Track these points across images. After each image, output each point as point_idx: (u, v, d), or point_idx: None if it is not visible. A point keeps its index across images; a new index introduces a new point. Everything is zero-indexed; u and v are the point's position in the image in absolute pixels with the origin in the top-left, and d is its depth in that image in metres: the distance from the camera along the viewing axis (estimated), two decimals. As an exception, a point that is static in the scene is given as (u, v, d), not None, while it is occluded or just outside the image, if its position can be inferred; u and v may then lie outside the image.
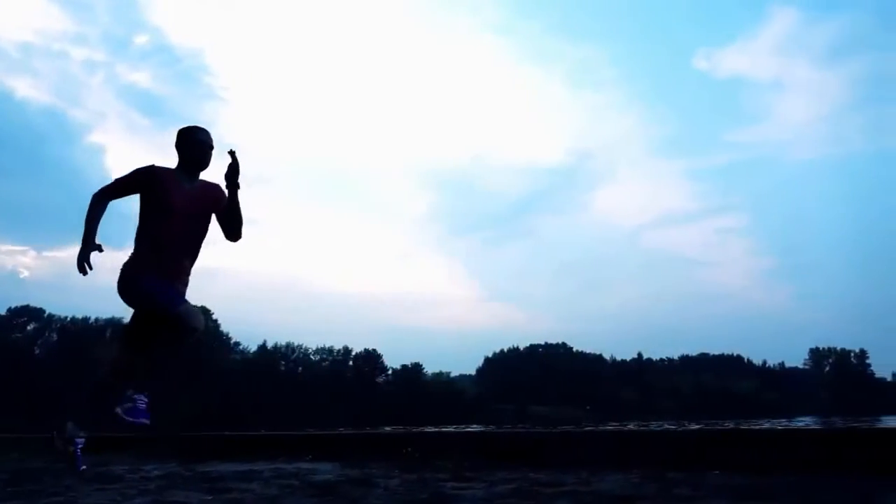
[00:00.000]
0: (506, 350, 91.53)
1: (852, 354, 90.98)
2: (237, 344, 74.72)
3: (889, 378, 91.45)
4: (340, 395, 70.40)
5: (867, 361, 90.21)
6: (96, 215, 3.05)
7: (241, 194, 3.13)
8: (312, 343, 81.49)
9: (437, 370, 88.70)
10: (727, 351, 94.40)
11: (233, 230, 3.19)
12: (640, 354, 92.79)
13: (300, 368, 77.69)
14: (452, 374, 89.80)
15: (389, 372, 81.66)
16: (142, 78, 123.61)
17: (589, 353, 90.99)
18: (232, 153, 3.13)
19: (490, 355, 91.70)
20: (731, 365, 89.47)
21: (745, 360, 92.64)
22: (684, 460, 2.70)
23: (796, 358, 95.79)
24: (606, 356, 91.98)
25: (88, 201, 3.05)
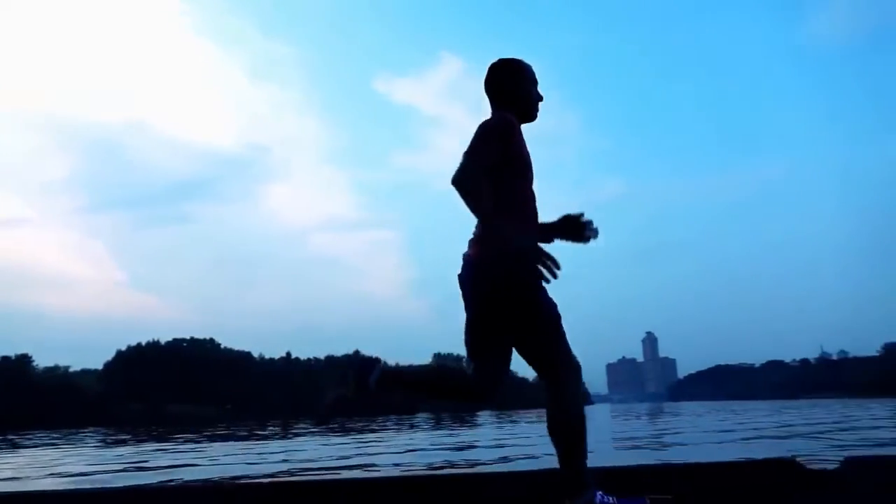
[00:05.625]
0: (143, 344, 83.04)
1: (464, 360, 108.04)
2: None
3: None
4: None
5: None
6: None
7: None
8: None
9: (51, 363, 75.68)
10: (368, 352, 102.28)
11: None
12: (289, 353, 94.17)
13: None
14: (72, 369, 77.71)
15: (-18, 364, 66.32)
16: None
17: (237, 351, 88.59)
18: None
19: (123, 349, 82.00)
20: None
21: (382, 362, 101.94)
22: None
23: (423, 361, 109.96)
24: (255, 354, 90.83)
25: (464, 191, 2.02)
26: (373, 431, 17.42)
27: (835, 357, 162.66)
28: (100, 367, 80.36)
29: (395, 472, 5.93)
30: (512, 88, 2.29)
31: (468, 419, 31.02)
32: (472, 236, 2.23)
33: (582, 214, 2.35)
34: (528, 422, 22.26)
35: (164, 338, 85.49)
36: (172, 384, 75.29)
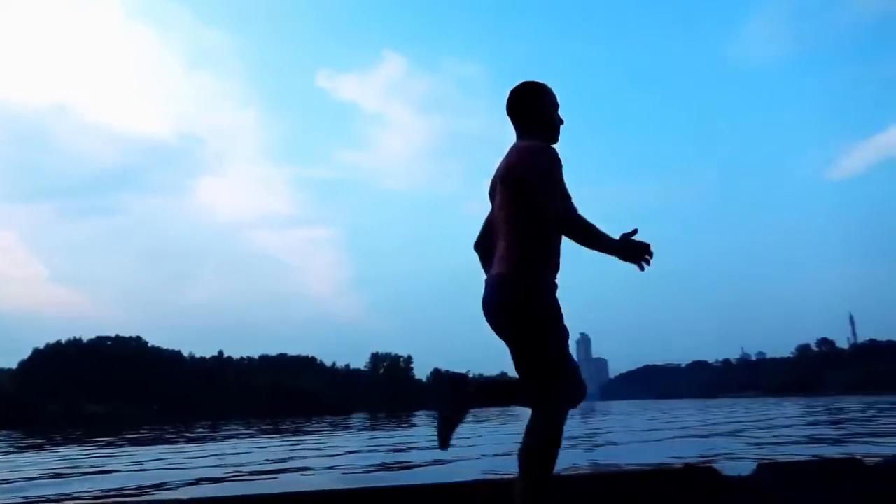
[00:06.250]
0: (64, 342, 78.75)
1: (402, 360, 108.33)
2: None
3: (425, 379, 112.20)
4: None
5: (411, 365, 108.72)
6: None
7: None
8: None
9: (-43, 362, 71.04)
10: (303, 352, 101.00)
11: None
12: (221, 353, 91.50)
13: None
14: (-18, 368, 72.85)
15: None
16: None
17: (166, 349, 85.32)
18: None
19: (41, 347, 77.49)
20: (305, 365, 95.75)
21: (318, 361, 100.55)
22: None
23: (360, 360, 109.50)
24: (185, 353, 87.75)
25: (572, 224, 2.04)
26: (306, 433, 17.13)
27: (754, 358, 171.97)
28: (14, 366, 75.65)
29: (327, 484, 5.86)
30: (538, 112, 2.28)
31: (405, 419, 30.94)
32: (496, 258, 2.19)
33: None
34: (464, 422, 22.39)
35: (87, 335, 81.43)
36: (94, 384, 71.70)
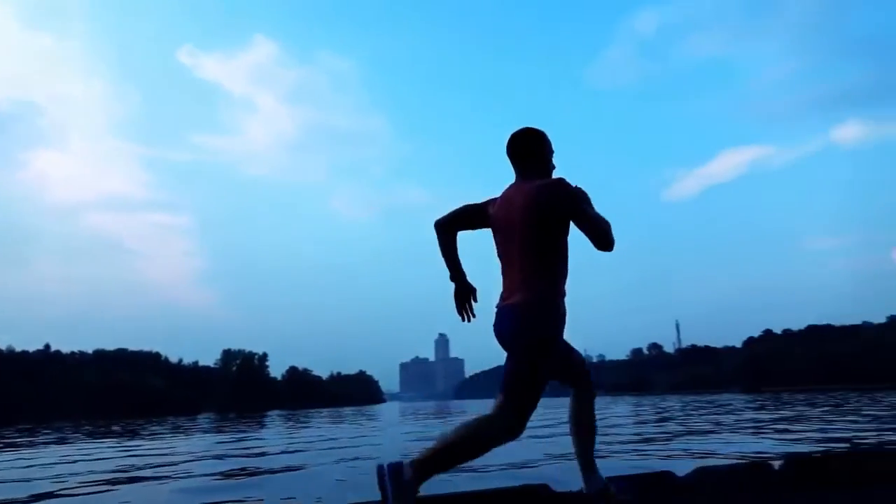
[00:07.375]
0: None
1: (256, 357, 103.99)
2: None
3: (279, 377, 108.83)
4: None
5: (266, 363, 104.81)
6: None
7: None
8: None
9: None
10: (146, 347, 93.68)
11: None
12: (47, 346, 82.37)
13: None
14: None
15: None
16: None
17: (-22, 342, 75.01)
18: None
19: None
20: (147, 361, 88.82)
21: (162, 357, 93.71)
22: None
23: (210, 357, 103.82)
24: (3, 346, 77.90)
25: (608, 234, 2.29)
26: (143, 436, 15.91)
27: (595, 360, 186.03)
28: None
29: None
30: (540, 156, 2.48)
31: (257, 419, 29.70)
32: (510, 285, 2.35)
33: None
34: (320, 422, 22.00)
35: None
36: None
